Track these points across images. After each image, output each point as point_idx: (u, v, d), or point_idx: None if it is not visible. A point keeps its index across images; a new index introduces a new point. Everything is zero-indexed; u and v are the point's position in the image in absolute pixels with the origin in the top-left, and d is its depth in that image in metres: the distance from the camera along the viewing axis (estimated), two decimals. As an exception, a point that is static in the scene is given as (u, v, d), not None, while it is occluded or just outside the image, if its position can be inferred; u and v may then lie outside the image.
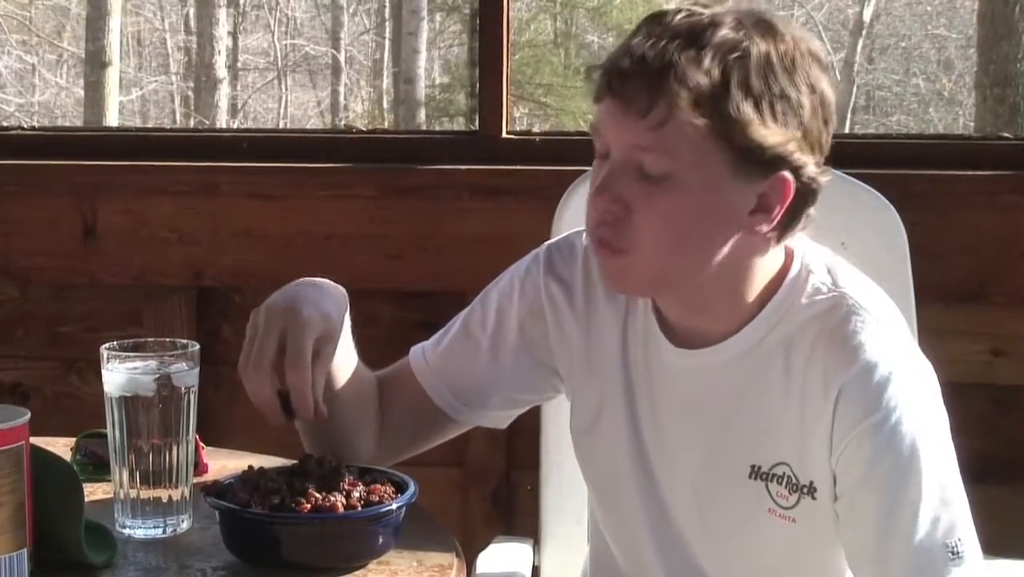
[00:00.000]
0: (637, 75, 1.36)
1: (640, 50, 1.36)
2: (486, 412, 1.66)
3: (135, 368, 1.45)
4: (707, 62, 1.34)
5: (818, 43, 1.42)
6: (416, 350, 1.67)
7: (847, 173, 1.91)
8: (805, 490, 1.44)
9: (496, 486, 2.60)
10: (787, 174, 1.38)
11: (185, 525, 1.47)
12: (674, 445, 1.52)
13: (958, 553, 1.38)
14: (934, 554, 1.38)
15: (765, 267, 1.46)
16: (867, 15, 13.04)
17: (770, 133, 1.36)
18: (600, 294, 1.57)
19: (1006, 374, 2.44)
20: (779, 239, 1.44)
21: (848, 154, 2.38)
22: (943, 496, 1.39)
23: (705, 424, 1.49)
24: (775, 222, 1.40)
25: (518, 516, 2.57)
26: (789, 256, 1.48)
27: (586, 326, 1.59)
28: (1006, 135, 2.93)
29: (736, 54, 1.35)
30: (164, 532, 1.46)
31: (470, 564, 1.64)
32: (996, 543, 1.53)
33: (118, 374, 1.44)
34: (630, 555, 1.61)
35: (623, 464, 1.56)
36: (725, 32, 1.36)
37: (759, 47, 1.36)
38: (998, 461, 2.41)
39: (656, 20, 1.39)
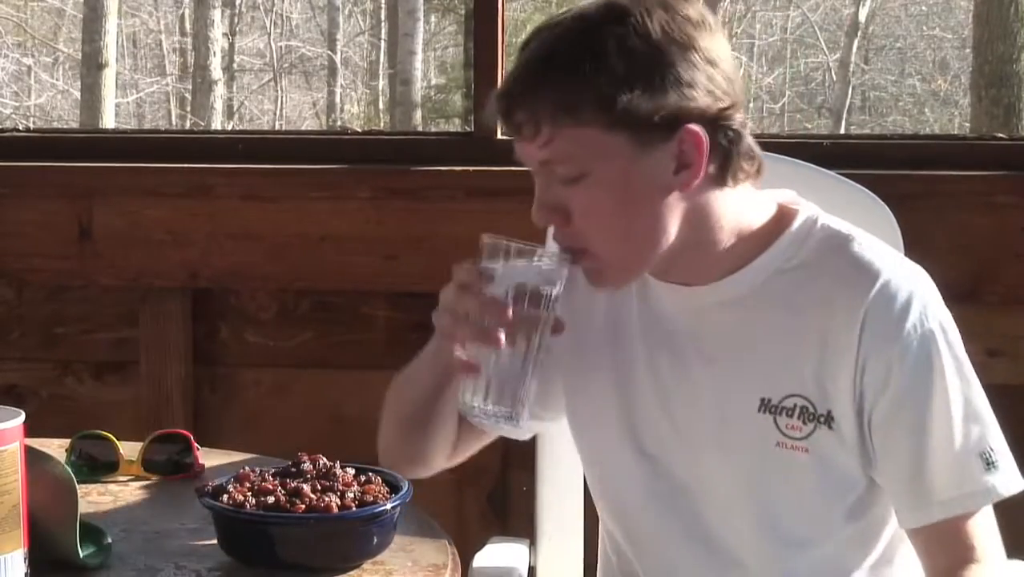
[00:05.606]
0: (513, 107, 1.42)
1: (508, 82, 1.44)
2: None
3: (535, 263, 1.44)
4: (563, 73, 1.38)
5: None
6: None
7: (842, 173, 1.91)
8: (822, 420, 1.46)
9: (492, 486, 2.60)
10: (691, 126, 1.40)
11: (523, 424, 1.46)
12: (675, 388, 1.53)
13: (992, 461, 1.45)
14: (971, 462, 1.44)
15: (733, 211, 1.47)
16: (863, 16, 13.06)
17: (655, 103, 1.37)
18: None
19: (1002, 374, 2.43)
20: (725, 181, 1.45)
21: (843, 155, 2.41)
22: (971, 409, 1.45)
23: (711, 362, 1.51)
24: (703, 171, 1.42)
25: (514, 517, 2.56)
26: (790, 209, 1.51)
27: (568, 298, 1.59)
28: (1001, 136, 2.92)
29: (591, 54, 1.37)
30: (509, 421, 1.44)
31: (465, 564, 1.64)
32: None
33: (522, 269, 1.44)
34: (626, 519, 1.61)
35: (609, 419, 1.56)
36: (573, 37, 1.40)
37: (608, 35, 1.38)
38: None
39: (523, 47, 1.45)
